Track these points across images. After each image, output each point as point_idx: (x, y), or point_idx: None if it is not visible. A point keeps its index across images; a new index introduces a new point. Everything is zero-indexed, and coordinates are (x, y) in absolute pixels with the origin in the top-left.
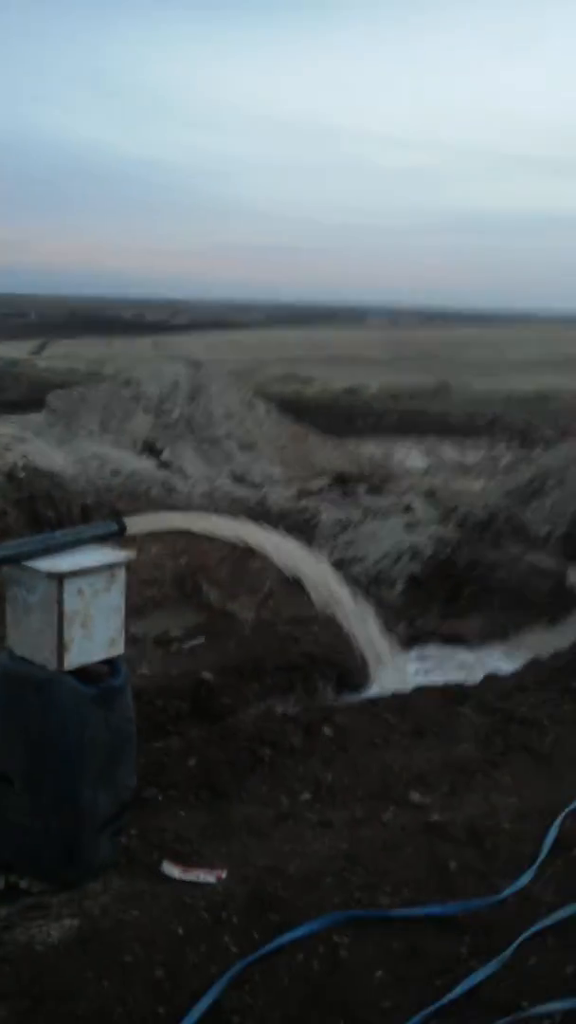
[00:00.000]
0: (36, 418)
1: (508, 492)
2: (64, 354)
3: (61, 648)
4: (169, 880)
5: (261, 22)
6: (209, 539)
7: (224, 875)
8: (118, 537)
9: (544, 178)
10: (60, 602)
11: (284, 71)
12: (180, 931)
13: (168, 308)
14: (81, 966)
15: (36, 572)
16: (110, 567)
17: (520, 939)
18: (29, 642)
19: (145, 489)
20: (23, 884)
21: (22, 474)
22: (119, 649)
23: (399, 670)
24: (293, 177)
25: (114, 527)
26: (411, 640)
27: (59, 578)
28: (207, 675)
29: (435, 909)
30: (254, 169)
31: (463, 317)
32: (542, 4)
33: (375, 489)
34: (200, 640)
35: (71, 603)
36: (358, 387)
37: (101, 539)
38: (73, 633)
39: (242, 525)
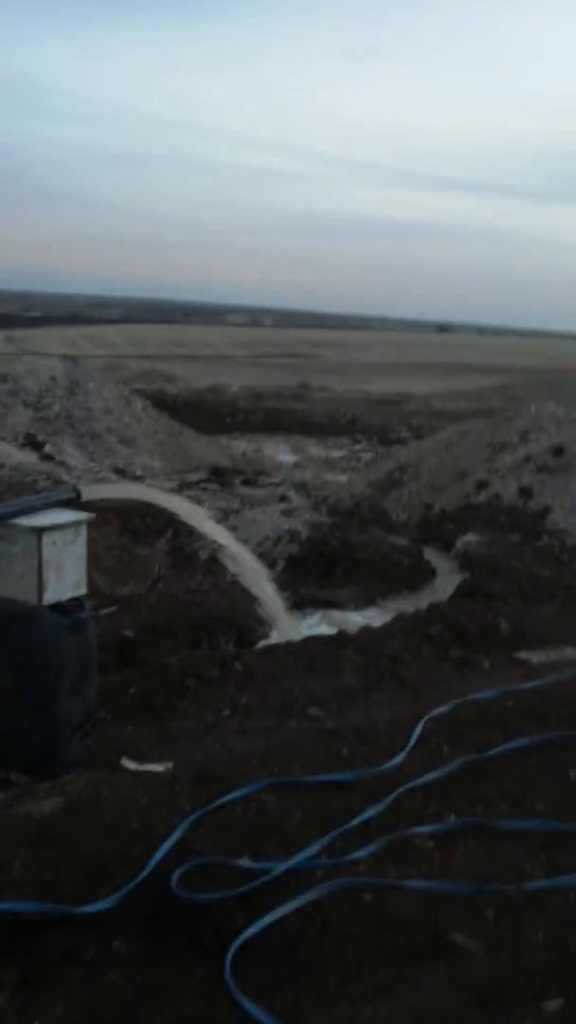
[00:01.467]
0: None
1: (370, 483)
2: None
3: (40, 587)
4: (128, 771)
5: (118, 16)
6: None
7: (171, 766)
8: (75, 501)
9: (395, 188)
10: (40, 550)
11: (139, 66)
12: (144, 799)
13: (21, 300)
14: (74, 824)
15: (18, 527)
16: (76, 523)
17: (396, 792)
18: (12, 584)
19: (31, 481)
20: (13, 778)
21: None
22: (83, 590)
23: (291, 628)
24: (149, 172)
25: (72, 493)
26: (295, 606)
27: (39, 531)
28: (128, 633)
29: (335, 777)
30: (109, 162)
31: (317, 319)
32: (380, 12)
33: (250, 482)
34: (113, 608)
35: (48, 551)
36: (220, 386)
37: (63, 503)
38: (49, 575)
39: (177, 497)
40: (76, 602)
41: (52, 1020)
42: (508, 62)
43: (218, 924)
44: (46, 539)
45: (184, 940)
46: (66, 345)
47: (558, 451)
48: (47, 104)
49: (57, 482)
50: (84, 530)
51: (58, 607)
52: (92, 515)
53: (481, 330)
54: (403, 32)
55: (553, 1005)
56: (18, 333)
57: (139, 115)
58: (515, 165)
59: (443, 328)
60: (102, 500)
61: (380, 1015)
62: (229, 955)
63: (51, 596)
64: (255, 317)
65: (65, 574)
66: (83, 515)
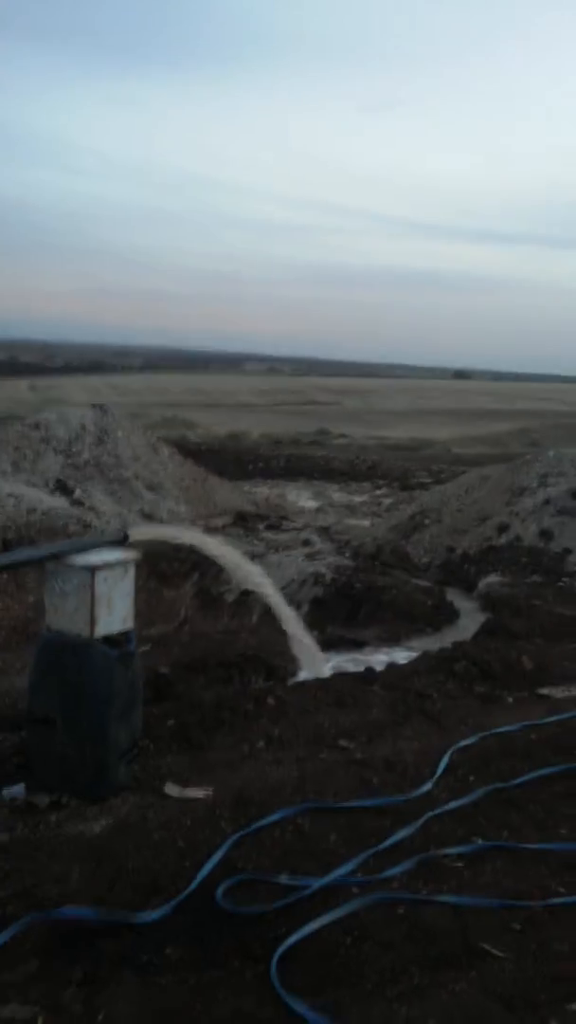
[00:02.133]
0: None
1: (392, 527)
2: None
3: (93, 621)
4: (170, 797)
5: (126, 70)
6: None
7: (211, 792)
8: (122, 543)
9: (412, 238)
10: (93, 587)
11: (150, 118)
12: (188, 822)
13: (42, 350)
14: (123, 843)
15: (72, 566)
16: (124, 562)
17: (426, 817)
18: (66, 618)
19: (62, 525)
20: (64, 800)
21: None
22: (131, 624)
23: (319, 667)
24: (162, 224)
25: (120, 534)
26: (321, 646)
27: (92, 569)
28: (164, 669)
29: (367, 803)
30: (123, 214)
31: (335, 367)
32: (393, 67)
33: (273, 526)
34: (147, 647)
35: (100, 588)
36: (240, 432)
37: (112, 543)
38: (101, 610)
39: (215, 540)
40: (124, 636)
41: (116, 1012)
42: (522, 111)
43: (262, 934)
44: (99, 577)
45: (231, 947)
46: (90, 393)
47: None
48: (71, 158)
49: (86, 526)
50: (132, 568)
51: (108, 640)
52: (139, 555)
53: (498, 376)
54: (418, 85)
55: None
56: (41, 382)
57: (162, 170)
58: (530, 214)
59: (460, 374)
60: (147, 541)
61: (415, 1014)
62: (275, 959)
63: (102, 629)
64: (273, 365)
65: (115, 609)
66: (131, 554)
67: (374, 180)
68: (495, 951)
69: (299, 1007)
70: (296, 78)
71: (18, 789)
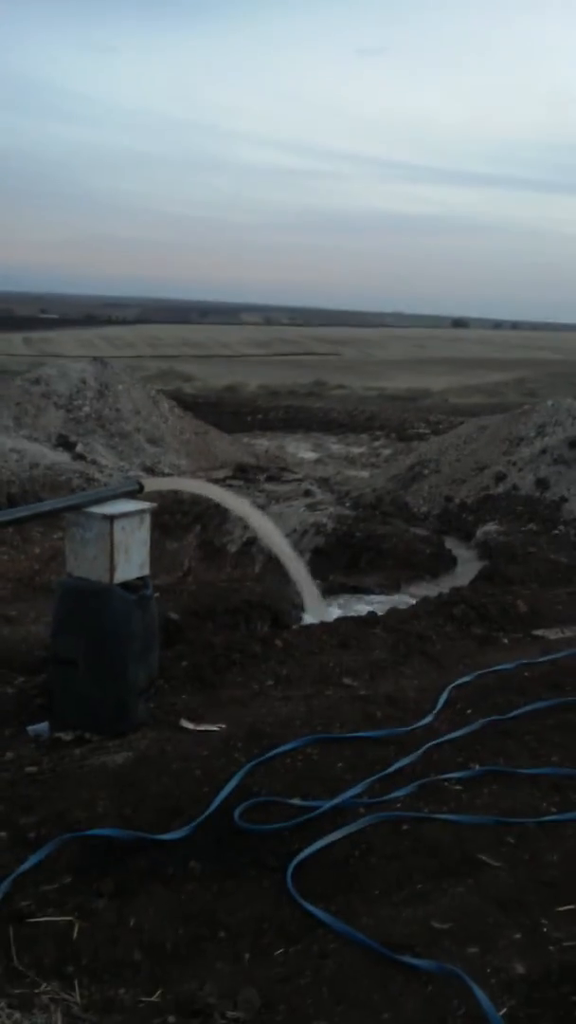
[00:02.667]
0: None
1: (391, 478)
2: None
3: (112, 568)
4: (186, 731)
5: (127, 18)
6: None
7: (225, 727)
8: (138, 493)
9: (408, 182)
10: (111, 535)
11: (150, 67)
12: (204, 753)
13: (37, 302)
14: (145, 772)
15: (93, 515)
16: (141, 512)
17: (426, 746)
18: (86, 565)
19: (65, 479)
20: (87, 736)
21: None
22: (147, 571)
23: (324, 612)
24: (161, 172)
25: (135, 485)
26: (325, 593)
27: (111, 518)
28: (174, 615)
29: (371, 733)
30: (120, 163)
31: (333, 316)
32: (390, 7)
33: (273, 478)
34: (157, 595)
35: (118, 536)
36: (237, 384)
37: (127, 494)
38: (119, 557)
39: (225, 490)
40: (141, 581)
41: (145, 918)
42: (519, 55)
43: (277, 849)
44: (117, 525)
45: (249, 861)
46: (84, 346)
47: (574, 443)
48: (60, 105)
49: (89, 480)
50: (148, 518)
51: (126, 585)
52: (154, 504)
53: (497, 324)
54: (415, 27)
55: (565, 908)
56: (36, 335)
57: (150, 116)
58: (530, 156)
59: (459, 323)
60: (161, 491)
61: (418, 914)
62: (290, 869)
63: (120, 575)
64: (270, 316)
65: (132, 556)
66: (146, 504)
67: (370, 123)
68: (491, 861)
69: (313, 909)
70: (289, 20)
71: (43, 726)
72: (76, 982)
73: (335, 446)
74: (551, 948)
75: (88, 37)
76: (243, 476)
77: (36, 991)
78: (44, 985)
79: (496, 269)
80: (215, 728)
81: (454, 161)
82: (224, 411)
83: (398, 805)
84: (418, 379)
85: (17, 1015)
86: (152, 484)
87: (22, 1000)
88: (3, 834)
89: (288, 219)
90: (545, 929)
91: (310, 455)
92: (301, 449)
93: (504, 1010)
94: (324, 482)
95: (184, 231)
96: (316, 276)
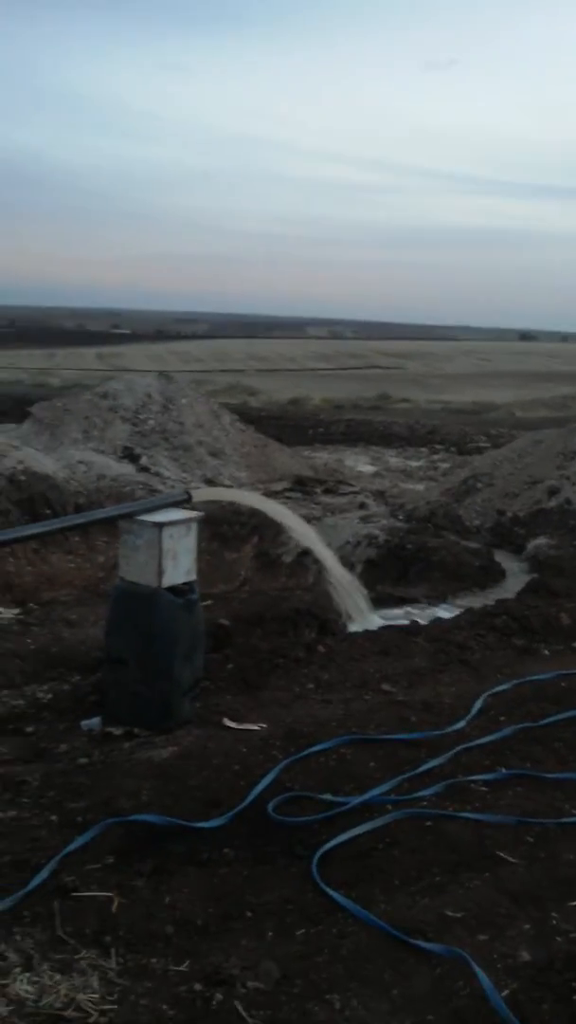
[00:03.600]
0: (17, 427)
1: (446, 491)
2: (7, 364)
3: (160, 573)
4: (229, 729)
5: (193, 36)
6: None
7: (265, 726)
8: (186, 503)
9: (474, 196)
10: (160, 542)
11: (216, 82)
12: (244, 750)
13: (109, 318)
14: (186, 766)
15: (143, 523)
16: (188, 521)
17: (456, 749)
18: (137, 570)
19: (130, 491)
20: (135, 731)
21: (22, 478)
22: (193, 576)
23: (368, 621)
24: (226, 188)
25: (184, 495)
26: (373, 603)
27: (160, 526)
28: (224, 621)
29: (404, 736)
30: (190, 180)
31: (399, 330)
32: (458, 20)
33: (330, 490)
34: (209, 602)
35: (167, 543)
36: (301, 398)
37: (177, 503)
38: (167, 563)
39: (273, 502)
40: (188, 586)
41: (180, 897)
42: None
43: (306, 840)
44: (165, 533)
45: (279, 850)
46: (153, 361)
47: None
48: (128, 124)
49: (152, 491)
50: (195, 526)
51: (173, 590)
52: (202, 513)
53: (564, 337)
54: (483, 41)
55: None
56: (106, 350)
57: (219, 133)
58: None
59: (526, 336)
60: (208, 501)
61: (434, 904)
62: (315, 859)
63: (168, 580)
64: (335, 329)
65: (180, 562)
66: (194, 513)
67: (437, 137)
68: (509, 858)
69: (334, 894)
70: (356, 35)
71: (96, 721)
72: (113, 951)
73: (394, 459)
74: (558, 939)
75: (158, 56)
76: (300, 488)
77: (76, 957)
78: (84, 952)
79: (565, 282)
80: (256, 727)
81: (521, 174)
82: (287, 424)
83: (424, 803)
84: (483, 392)
85: (58, 977)
86: (200, 495)
87: (63, 964)
88: (53, 817)
89: (354, 234)
90: (555, 921)
91: (368, 468)
92: (360, 462)
93: (506, 992)
94: (379, 495)
95: (252, 246)
96: (382, 290)
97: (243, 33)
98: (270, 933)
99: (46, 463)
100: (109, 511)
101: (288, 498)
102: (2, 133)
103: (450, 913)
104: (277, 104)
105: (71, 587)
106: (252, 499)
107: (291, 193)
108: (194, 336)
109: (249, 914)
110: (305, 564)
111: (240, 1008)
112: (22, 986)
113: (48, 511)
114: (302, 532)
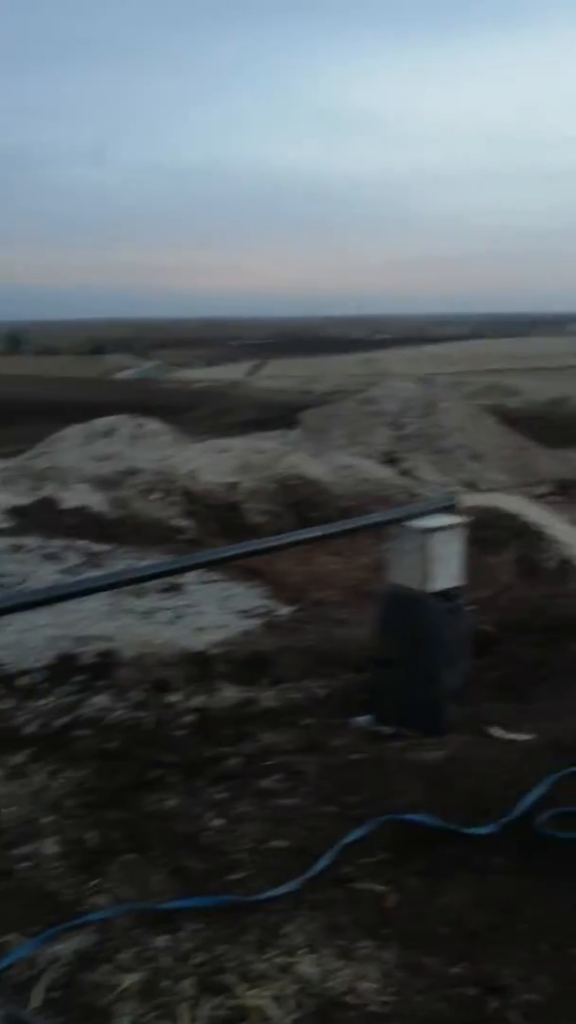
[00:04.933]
0: (285, 433)
1: None
2: (276, 373)
3: (427, 577)
4: (493, 737)
5: (445, 37)
6: None
7: (532, 737)
8: (451, 509)
9: None
10: (428, 548)
11: (472, 82)
12: (511, 759)
13: (370, 325)
14: (455, 771)
15: (411, 528)
16: (454, 526)
17: None
18: (405, 574)
19: (390, 494)
20: (403, 732)
21: (293, 482)
22: (460, 580)
23: None
24: (490, 187)
25: (451, 502)
26: None
27: (428, 532)
28: (487, 627)
29: None
30: (449, 181)
31: None
32: None
33: None
34: (473, 607)
35: (434, 548)
36: (562, 398)
37: (443, 509)
38: (435, 568)
39: (537, 507)
40: (454, 591)
41: (452, 900)
42: None
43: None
44: (433, 538)
45: (550, 865)
46: (410, 364)
47: None
48: (383, 131)
49: (412, 495)
50: (461, 532)
51: (440, 594)
52: (468, 519)
53: None
54: None
55: None
56: (369, 355)
57: (478, 131)
58: None
59: None
60: (472, 508)
61: None
62: None
63: (436, 584)
64: None
65: (446, 567)
66: (460, 519)
67: None
68: None
69: None
70: None
71: (367, 719)
72: (392, 944)
73: None
74: None
75: (402, 60)
76: (564, 492)
77: (355, 945)
78: (362, 942)
79: None
80: (524, 737)
81: None
82: (548, 425)
83: None
84: None
85: (340, 963)
86: (465, 501)
87: (343, 951)
88: (332, 808)
89: None
90: None
91: None
92: None
93: None
94: None
95: (508, 244)
96: None
97: (483, 33)
98: (544, 947)
99: (315, 467)
100: (379, 517)
101: (551, 503)
102: (266, 150)
103: None
104: (527, 99)
105: (337, 587)
106: (516, 505)
107: (554, 187)
108: (454, 338)
109: (521, 926)
110: (568, 570)
111: (517, 1019)
112: (308, 967)
113: (316, 513)
114: (566, 538)
